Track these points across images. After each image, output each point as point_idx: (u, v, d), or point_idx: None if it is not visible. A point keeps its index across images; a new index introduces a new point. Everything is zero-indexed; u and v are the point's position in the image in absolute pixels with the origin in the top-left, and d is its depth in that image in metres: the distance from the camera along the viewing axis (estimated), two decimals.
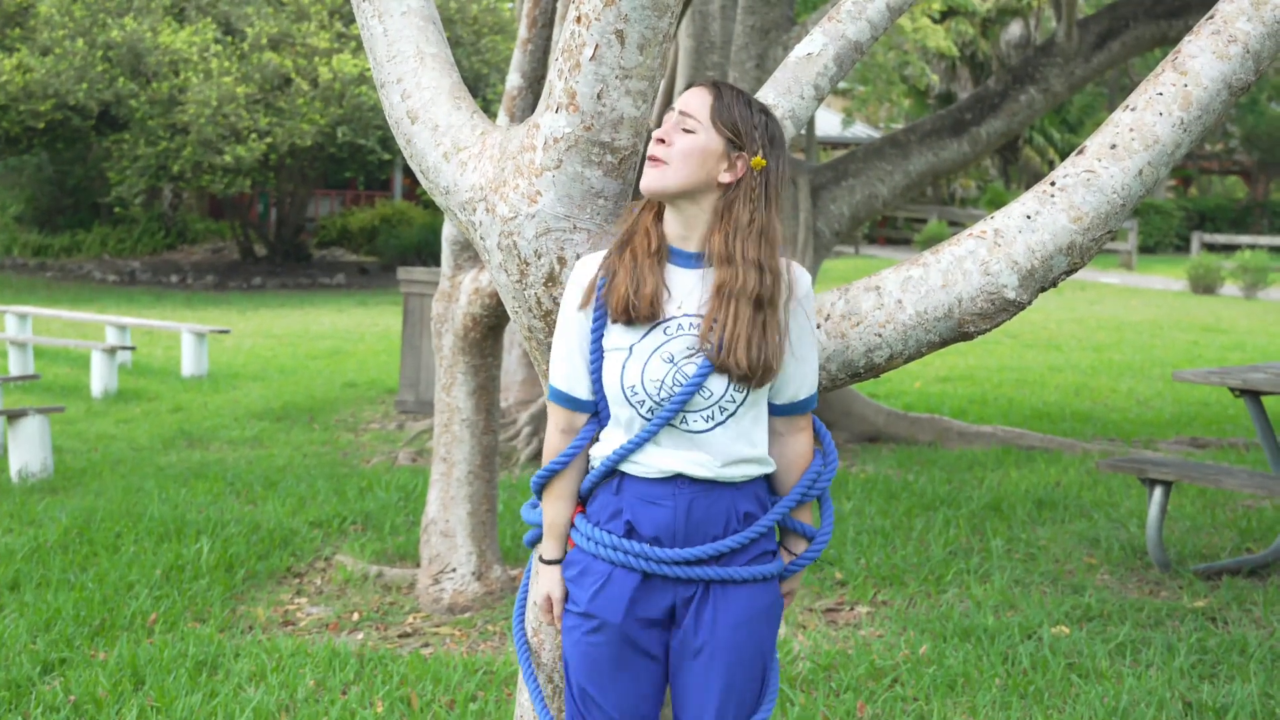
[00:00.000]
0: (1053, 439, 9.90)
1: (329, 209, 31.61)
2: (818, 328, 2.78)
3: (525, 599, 3.03)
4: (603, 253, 2.66)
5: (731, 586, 2.66)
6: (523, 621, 3.02)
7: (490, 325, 5.82)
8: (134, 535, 6.61)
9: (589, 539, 2.68)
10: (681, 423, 2.58)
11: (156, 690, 4.65)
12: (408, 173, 30.51)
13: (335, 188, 32.04)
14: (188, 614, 5.58)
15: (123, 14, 23.09)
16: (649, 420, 2.59)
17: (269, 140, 22.16)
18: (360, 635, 5.48)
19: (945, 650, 5.10)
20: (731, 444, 2.60)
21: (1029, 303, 2.77)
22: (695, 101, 2.57)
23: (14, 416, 8.75)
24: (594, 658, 2.68)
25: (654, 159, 2.56)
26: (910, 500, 7.62)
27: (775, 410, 2.69)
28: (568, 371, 2.67)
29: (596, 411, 2.69)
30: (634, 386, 2.57)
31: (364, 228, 28.10)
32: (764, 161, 2.52)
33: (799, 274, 2.64)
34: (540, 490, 2.75)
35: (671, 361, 2.55)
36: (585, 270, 2.66)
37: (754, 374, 2.53)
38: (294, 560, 6.45)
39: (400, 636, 5.48)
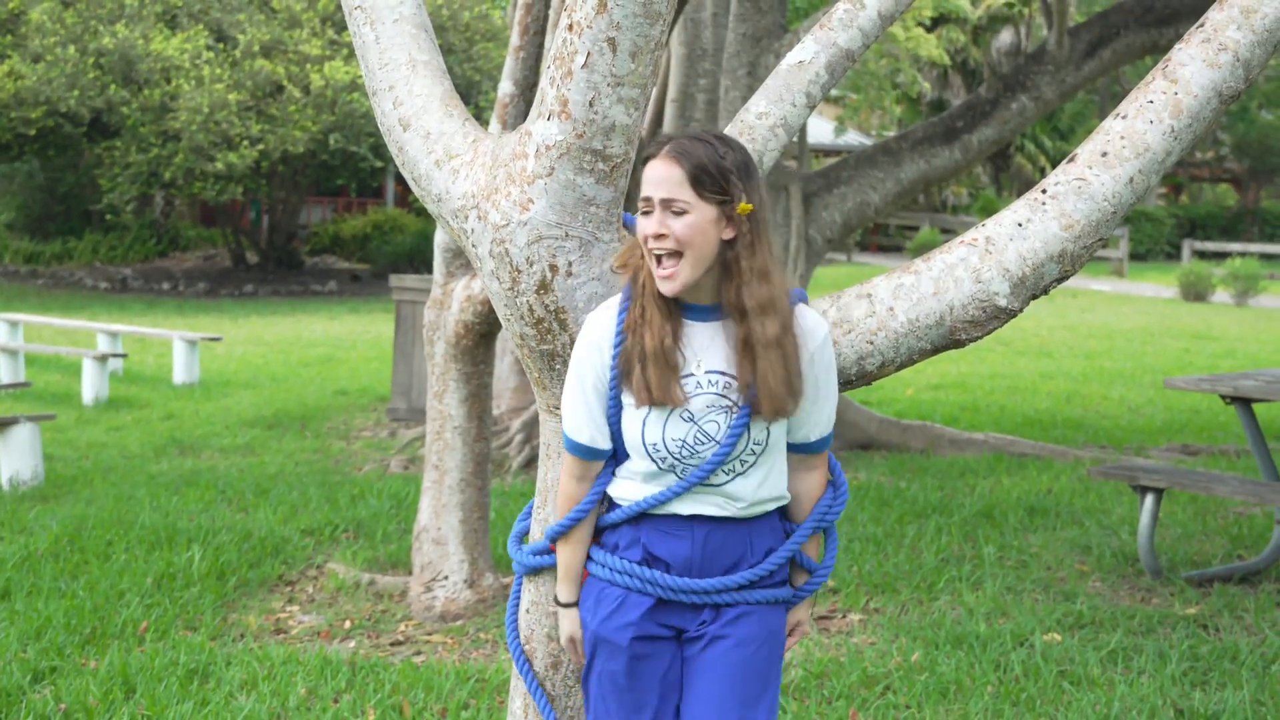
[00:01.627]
0: (1044, 446, 9.91)
1: (321, 216, 31.59)
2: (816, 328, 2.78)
3: (518, 606, 3.02)
4: (615, 305, 2.61)
5: (744, 608, 2.68)
6: (516, 628, 3.01)
7: (482, 333, 5.82)
8: (125, 543, 6.59)
9: (604, 566, 2.68)
10: (707, 479, 2.59)
11: (148, 699, 4.64)
12: (400, 180, 30.49)
13: (327, 195, 32.02)
14: (179, 622, 5.56)
15: (114, 21, 23.07)
16: (679, 478, 2.59)
17: (261, 147, 22.15)
18: (352, 643, 5.47)
19: (937, 658, 5.10)
20: (752, 491, 2.62)
21: (1020, 310, 2.77)
22: (670, 181, 2.48)
23: (5, 424, 8.73)
24: (611, 683, 2.69)
25: (661, 260, 2.49)
26: (902, 507, 7.62)
27: (792, 448, 2.70)
28: (585, 423, 2.64)
29: (614, 454, 2.68)
30: (656, 444, 2.57)
31: (356, 235, 28.09)
32: (750, 206, 2.47)
33: (815, 322, 2.62)
34: (556, 538, 2.74)
35: (692, 420, 2.55)
36: (600, 327, 2.61)
37: (786, 413, 2.54)
38: (285, 568, 6.44)
39: (392, 644, 5.47)
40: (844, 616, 5.76)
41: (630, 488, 2.66)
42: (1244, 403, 6.66)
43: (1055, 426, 11.20)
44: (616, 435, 2.64)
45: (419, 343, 10.74)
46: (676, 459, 2.58)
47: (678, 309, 2.55)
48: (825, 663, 5.08)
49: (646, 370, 2.51)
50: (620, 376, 2.58)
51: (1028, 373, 14.99)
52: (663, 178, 2.48)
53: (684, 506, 2.62)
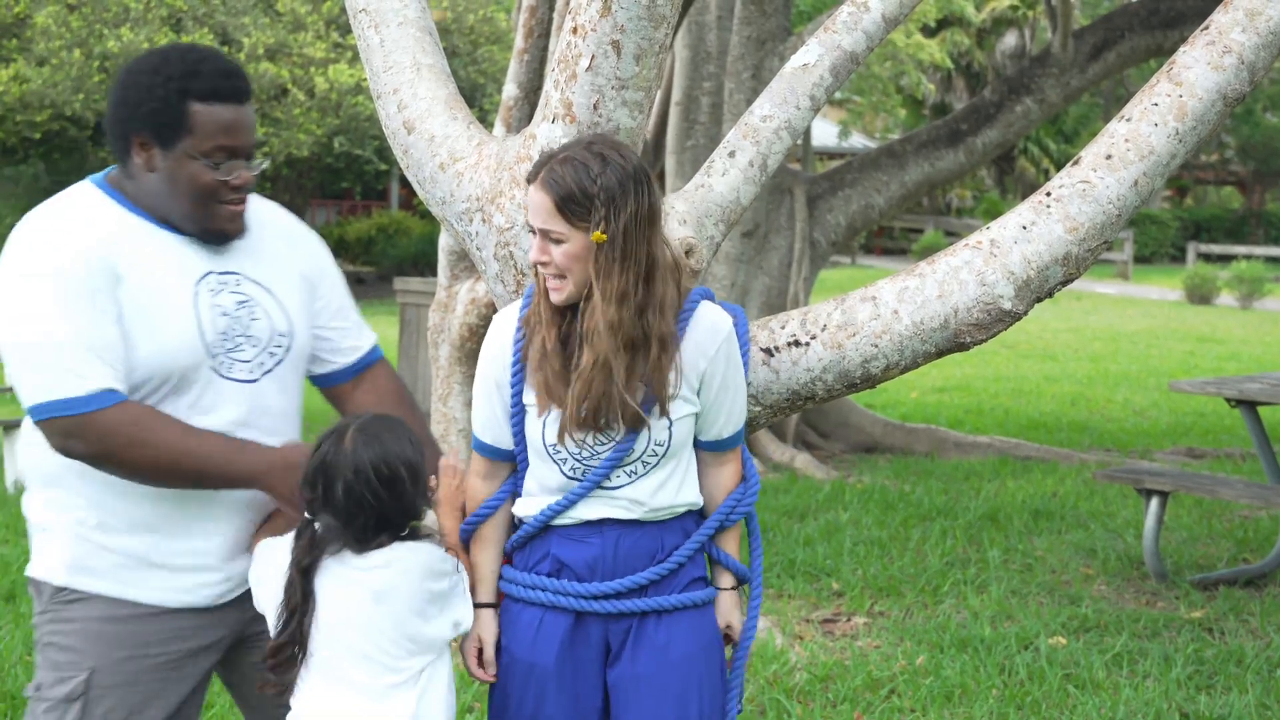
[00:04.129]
0: (1049, 449, 9.90)
1: (325, 219, 31.59)
2: (813, 339, 2.78)
3: None
4: (517, 305, 2.61)
5: (667, 617, 2.62)
6: None
7: (471, 350, 5.82)
8: None
9: (515, 584, 2.64)
10: (604, 480, 2.56)
11: None
12: (404, 183, 30.51)
13: (332, 198, 32.04)
14: None
15: (119, 25, 23.10)
16: (577, 480, 2.56)
17: (265, 150, 22.17)
18: None
19: (942, 661, 5.10)
20: (654, 494, 2.58)
21: (1025, 313, 2.77)
22: (543, 210, 2.46)
23: (9, 427, 8.74)
24: (530, 707, 2.62)
25: (549, 279, 2.50)
26: (907, 511, 7.61)
27: (702, 445, 2.66)
28: (488, 421, 2.63)
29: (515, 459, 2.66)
30: (555, 445, 2.54)
31: (361, 238, 28.10)
32: (603, 236, 2.42)
33: (718, 320, 2.59)
34: (468, 540, 2.69)
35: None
36: (502, 327, 2.61)
37: (635, 427, 2.51)
38: None
39: None
40: (848, 620, 5.76)
41: (534, 502, 2.62)
42: (1249, 406, 6.65)
43: (1060, 429, 11.19)
44: (520, 442, 2.60)
45: (423, 346, 10.75)
46: (577, 460, 2.54)
47: (570, 310, 2.53)
48: (830, 666, 5.07)
49: (543, 369, 2.51)
50: (523, 376, 2.56)
51: (1032, 376, 14.98)
52: (536, 206, 2.47)
53: (590, 511, 2.57)
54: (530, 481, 2.63)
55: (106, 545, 2.56)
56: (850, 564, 6.46)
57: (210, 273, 2.59)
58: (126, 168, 2.57)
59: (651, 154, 9.89)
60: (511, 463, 2.65)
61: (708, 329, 2.57)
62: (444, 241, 6.15)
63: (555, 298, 2.50)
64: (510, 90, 6.07)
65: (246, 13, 23.62)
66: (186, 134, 2.49)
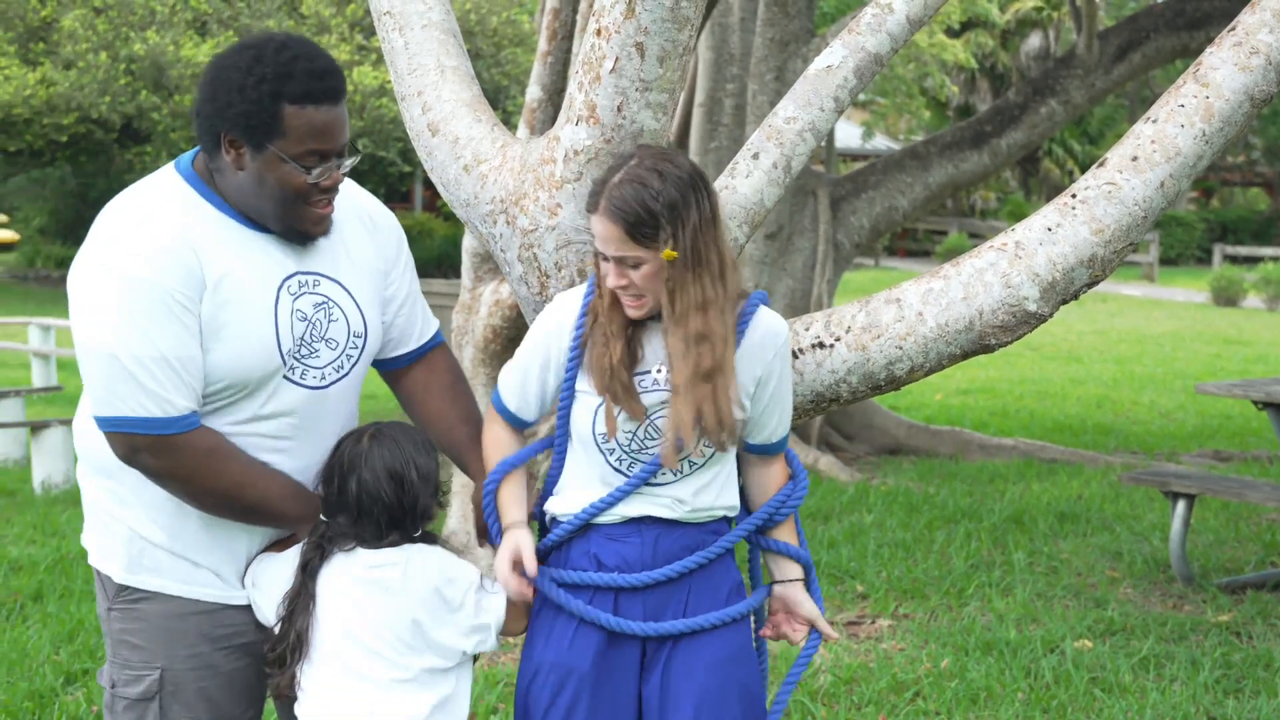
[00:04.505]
0: (1074, 452, 9.86)
1: None
2: (837, 341, 2.77)
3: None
4: (581, 291, 2.60)
5: (702, 634, 2.61)
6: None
7: (510, 337, 5.83)
8: None
9: (555, 582, 2.61)
10: (651, 476, 2.56)
11: None
12: (428, 185, 30.60)
13: None
14: None
15: (145, 28, 23.23)
16: (624, 475, 2.55)
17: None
18: None
19: (967, 664, 5.08)
20: (696, 494, 2.58)
21: (1050, 315, 2.76)
22: (614, 240, 2.45)
23: (37, 428, 8.80)
24: (560, 715, 2.61)
25: (627, 299, 2.49)
26: (931, 513, 7.59)
27: (750, 448, 2.67)
28: (519, 393, 2.63)
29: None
30: (604, 434, 2.54)
31: None
32: (674, 254, 2.43)
33: (777, 325, 2.60)
34: (495, 490, 2.65)
35: (645, 415, 2.52)
36: (565, 309, 2.60)
37: (720, 444, 2.52)
38: None
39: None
40: (873, 622, 5.74)
41: (574, 499, 2.61)
42: (1276, 409, 6.61)
43: (1085, 432, 11.15)
44: (563, 430, 2.60)
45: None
46: (625, 452, 2.54)
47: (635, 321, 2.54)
48: (854, 668, 5.06)
49: (613, 386, 2.50)
50: (579, 361, 2.56)
51: (1057, 378, 14.93)
52: (607, 236, 2.46)
53: (632, 508, 2.57)
54: (568, 477, 2.62)
55: (164, 545, 2.55)
56: (875, 566, 6.45)
57: (293, 274, 2.56)
58: (214, 160, 2.52)
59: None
60: (520, 432, 2.67)
61: (766, 333, 2.58)
62: (468, 243, 6.16)
63: (635, 314, 2.50)
64: (534, 92, 6.08)
65: (271, 15, 23.71)
66: (278, 137, 2.44)
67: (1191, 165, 2.74)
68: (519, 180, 2.87)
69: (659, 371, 2.53)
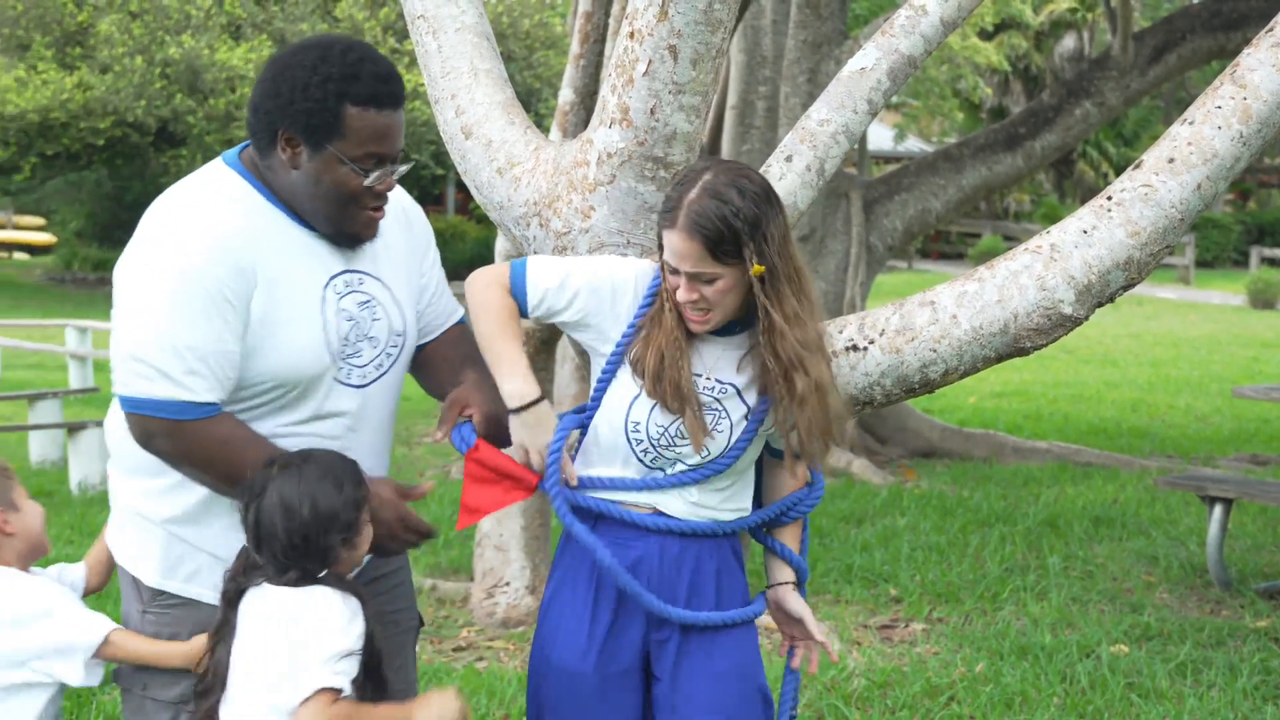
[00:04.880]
0: (1110, 455, 9.80)
1: None
2: (871, 344, 2.76)
3: None
4: (654, 269, 2.57)
5: (710, 632, 2.60)
6: None
7: (543, 339, 5.84)
8: None
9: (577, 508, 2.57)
10: (672, 468, 2.56)
11: None
12: (461, 187, 30.69)
13: None
14: None
15: (180, 32, 23.39)
16: (646, 467, 2.55)
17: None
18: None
19: (1002, 668, 5.05)
20: (708, 495, 2.58)
21: (1086, 318, 2.74)
22: (691, 256, 2.42)
23: (74, 429, 8.87)
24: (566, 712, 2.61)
25: (693, 313, 2.48)
26: (965, 516, 7.56)
27: (775, 453, 2.67)
28: (551, 292, 2.56)
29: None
30: (638, 424, 2.53)
31: None
32: (761, 268, 2.42)
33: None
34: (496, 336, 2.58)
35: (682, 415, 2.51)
36: (641, 280, 2.57)
37: (809, 455, 2.53)
38: None
39: (455, 650, 5.49)
40: (907, 626, 5.72)
41: (595, 470, 2.60)
42: None
43: (1121, 435, 11.08)
44: (595, 406, 2.58)
45: None
46: (653, 445, 2.53)
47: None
48: (888, 672, 5.04)
49: (676, 397, 2.48)
50: (633, 339, 2.54)
51: (1092, 381, 14.84)
52: (684, 253, 2.43)
53: (643, 497, 2.56)
54: (589, 446, 2.61)
55: (201, 546, 2.54)
56: (908, 570, 6.42)
57: (340, 273, 2.55)
58: (266, 157, 2.50)
59: (707, 158, 9.88)
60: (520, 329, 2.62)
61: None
62: (501, 245, 6.17)
63: (700, 328, 2.50)
64: (566, 95, 6.08)
65: (305, 19, 23.83)
66: (338, 138, 2.44)
67: (1229, 167, 2.72)
68: (552, 183, 2.87)
69: (706, 378, 2.53)
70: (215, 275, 2.39)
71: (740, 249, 2.41)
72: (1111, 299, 2.75)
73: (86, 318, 19.32)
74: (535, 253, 2.91)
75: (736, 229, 2.40)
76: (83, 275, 29.53)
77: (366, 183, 2.47)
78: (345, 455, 2.48)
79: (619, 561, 2.55)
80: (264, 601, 2.42)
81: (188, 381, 2.38)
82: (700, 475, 2.55)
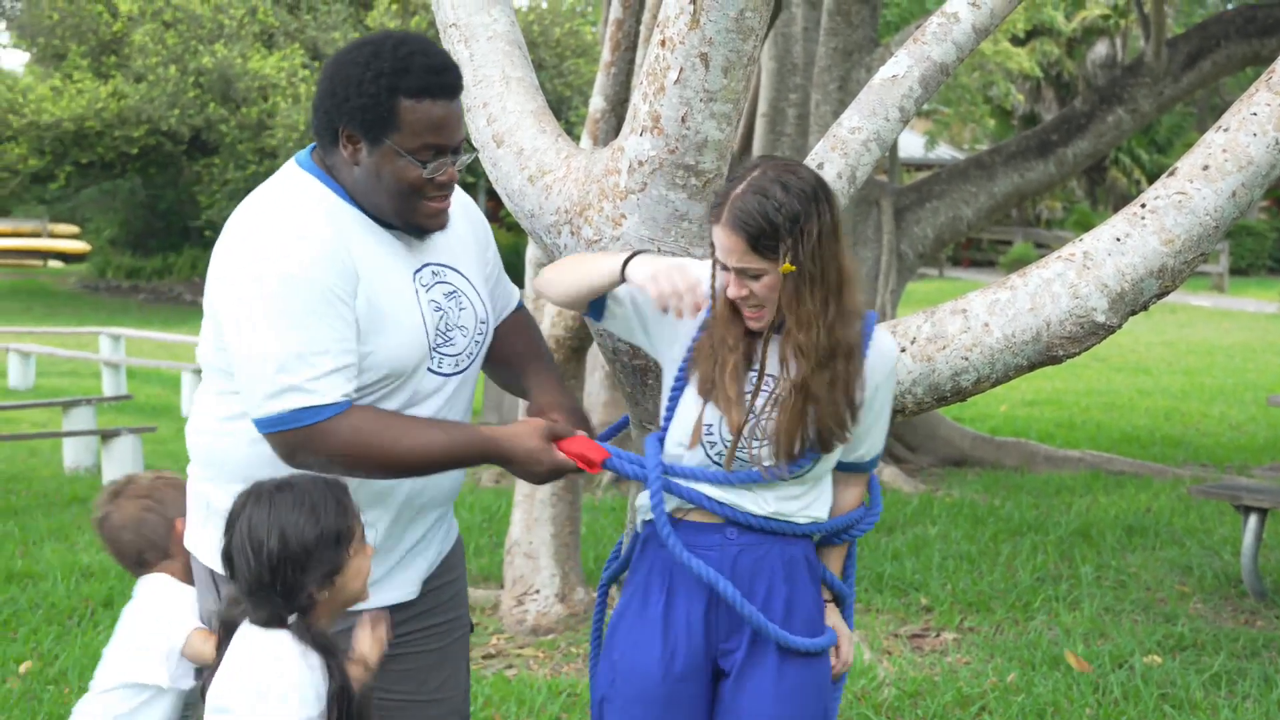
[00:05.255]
0: (1143, 464, 9.74)
1: None
2: (902, 351, 2.76)
3: (600, 626, 3.01)
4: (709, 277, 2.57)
5: (774, 655, 2.58)
6: (598, 649, 3.02)
7: (573, 347, 5.84)
8: None
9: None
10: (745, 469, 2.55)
11: None
12: (490, 195, 30.76)
13: None
14: None
15: (213, 41, 23.55)
16: (719, 466, 2.54)
17: None
18: None
19: (1034, 679, 5.02)
20: (784, 501, 2.57)
21: (1119, 326, 2.73)
22: (736, 251, 2.43)
23: (108, 436, 8.93)
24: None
25: (749, 310, 2.48)
26: (997, 525, 7.52)
27: (841, 465, 2.66)
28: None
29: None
30: (711, 426, 2.53)
31: None
32: (791, 267, 2.40)
33: (890, 346, 2.59)
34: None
35: (752, 413, 2.51)
36: (701, 276, 2.56)
37: (828, 448, 2.51)
38: None
39: (484, 658, 5.50)
40: (938, 635, 5.70)
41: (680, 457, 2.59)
42: None
43: (1154, 444, 11.01)
44: (670, 413, 2.58)
45: None
46: (726, 447, 2.52)
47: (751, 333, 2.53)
48: (919, 682, 5.02)
49: (724, 397, 2.48)
50: (692, 356, 2.55)
51: (1125, 389, 14.75)
52: (729, 247, 2.44)
53: (719, 492, 2.56)
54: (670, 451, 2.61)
55: None
56: (939, 579, 6.39)
57: (424, 265, 2.58)
58: (331, 156, 2.54)
59: (738, 166, 9.87)
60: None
61: (879, 354, 2.57)
62: (531, 253, 6.18)
63: (756, 325, 2.49)
64: (597, 103, 6.09)
65: (337, 28, 23.96)
66: (394, 131, 2.46)
67: (1264, 174, 2.70)
68: (583, 191, 2.88)
69: (769, 371, 2.52)
70: (323, 279, 2.40)
71: (779, 244, 2.41)
72: (1145, 307, 2.73)
73: (120, 325, 19.47)
74: None
75: (777, 224, 2.40)
76: (116, 283, 29.73)
77: (425, 174, 2.48)
78: (335, 480, 2.38)
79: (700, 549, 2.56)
80: (240, 640, 2.32)
81: (316, 387, 2.39)
82: (773, 476, 2.53)
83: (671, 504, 2.60)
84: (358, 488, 2.50)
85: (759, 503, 2.56)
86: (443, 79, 2.48)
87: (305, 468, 2.44)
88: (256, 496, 2.30)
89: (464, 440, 2.51)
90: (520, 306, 2.93)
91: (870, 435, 2.62)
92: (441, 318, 2.58)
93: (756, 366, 2.52)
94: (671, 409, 2.59)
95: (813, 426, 2.47)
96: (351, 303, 2.44)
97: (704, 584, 2.56)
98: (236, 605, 2.34)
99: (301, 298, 2.39)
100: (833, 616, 2.73)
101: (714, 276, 2.50)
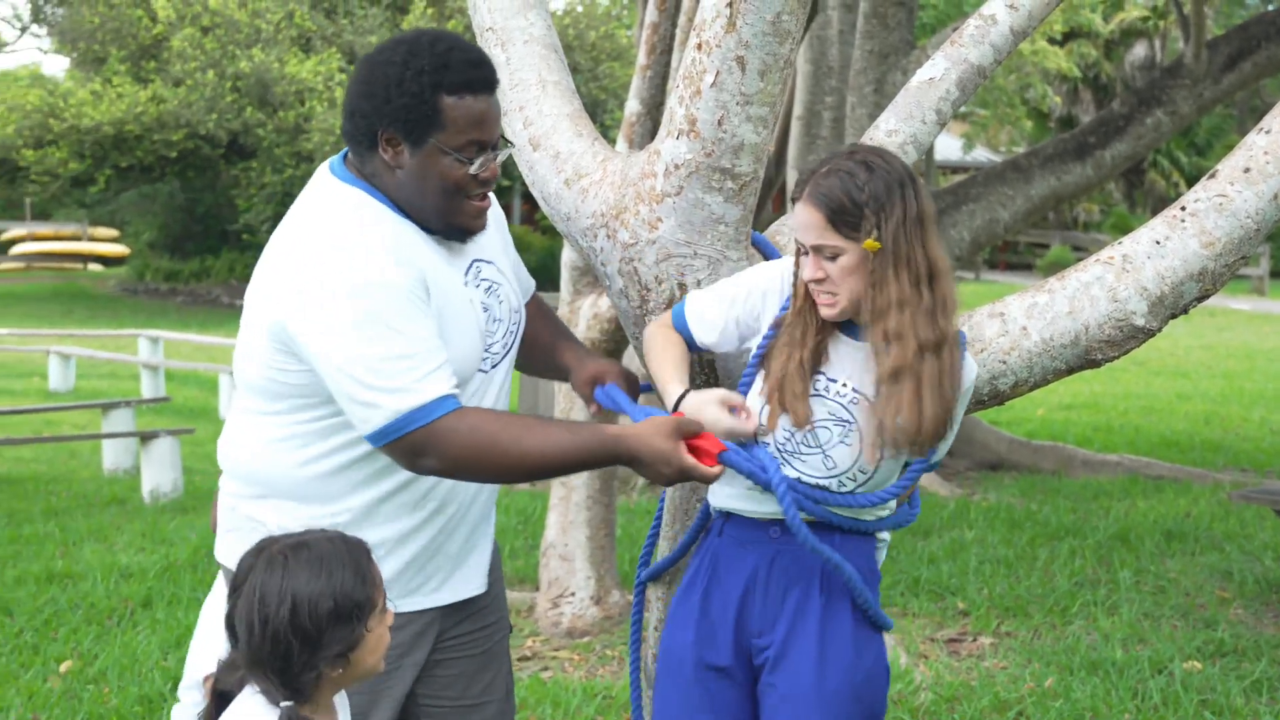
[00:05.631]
0: (1182, 469, 9.66)
1: None
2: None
3: (639, 628, 3.02)
4: (789, 277, 2.56)
5: (823, 644, 2.56)
6: (638, 649, 3.02)
7: (609, 350, 5.85)
8: None
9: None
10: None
11: None
12: (526, 198, 30.85)
13: None
14: None
15: (251, 45, 23.70)
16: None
17: None
18: None
19: (1072, 684, 4.99)
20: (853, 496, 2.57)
21: (1159, 330, 2.71)
22: (814, 226, 2.42)
23: (146, 438, 8.99)
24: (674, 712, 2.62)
25: (821, 295, 2.46)
26: (1034, 530, 7.48)
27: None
28: (707, 315, 2.61)
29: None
30: (762, 425, 2.51)
31: None
32: (877, 244, 2.39)
33: (971, 369, 2.57)
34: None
35: (809, 420, 2.50)
36: (784, 281, 2.57)
37: (920, 446, 2.48)
38: None
39: (519, 660, 5.51)
40: (974, 640, 5.67)
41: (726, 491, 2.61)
42: None
43: (1193, 448, 10.92)
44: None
45: None
46: (779, 448, 2.52)
47: (825, 335, 2.51)
48: (956, 687, 5.00)
49: (785, 387, 2.48)
50: (766, 350, 2.55)
51: (1164, 393, 14.65)
52: (808, 223, 2.43)
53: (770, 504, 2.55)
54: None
55: None
56: (976, 583, 6.36)
57: (471, 263, 2.57)
58: (369, 163, 2.49)
59: (773, 169, 9.87)
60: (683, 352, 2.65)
61: (968, 363, 2.57)
62: (567, 257, 6.19)
63: (829, 313, 2.47)
64: (633, 106, 6.09)
65: (374, 32, 24.07)
66: (438, 129, 2.42)
67: None
68: (619, 194, 2.88)
69: (843, 384, 2.51)
70: (402, 283, 2.38)
71: (860, 222, 2.40)
72: (1185, 310, 2.72)
73: (158, 328, 19.61)
74: (603, 264, 2.92)
75: (858, 201, 2.40)
76: (155, 286, 29.95)
77: (471, 171, 2.46)
78: (357, 541, 2.18)
79: (727, 569, 2.58)
80: (236, 713, 2.11)
81: (421, 386, 2.34)
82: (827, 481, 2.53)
83: (719, 499, 2.62)
84: (402, 486, 2.47)
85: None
86: (482, 73, 2.46)
87: (429, 473, 2.39)
88: (269, 559, 2.07)
89: (590, 440, 2.43)
90: (534, 292, 2.94)
91: (941, 444, 2.58)
92: (488, 316, 2.57)
93: (823, 370, 2.51)
94: (746, 386, 2.60)
95: (892, 422, 2.44)
96: (428, 307, 2.41)
97: (743, 576, 2.57)
98: (234, 671, 2.12)
99: (387, 303, 2.35)
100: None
101: (796, 265, 2.50)
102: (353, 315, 2.33)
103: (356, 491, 2.50)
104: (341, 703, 2.20)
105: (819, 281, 2.44)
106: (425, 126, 2.43)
